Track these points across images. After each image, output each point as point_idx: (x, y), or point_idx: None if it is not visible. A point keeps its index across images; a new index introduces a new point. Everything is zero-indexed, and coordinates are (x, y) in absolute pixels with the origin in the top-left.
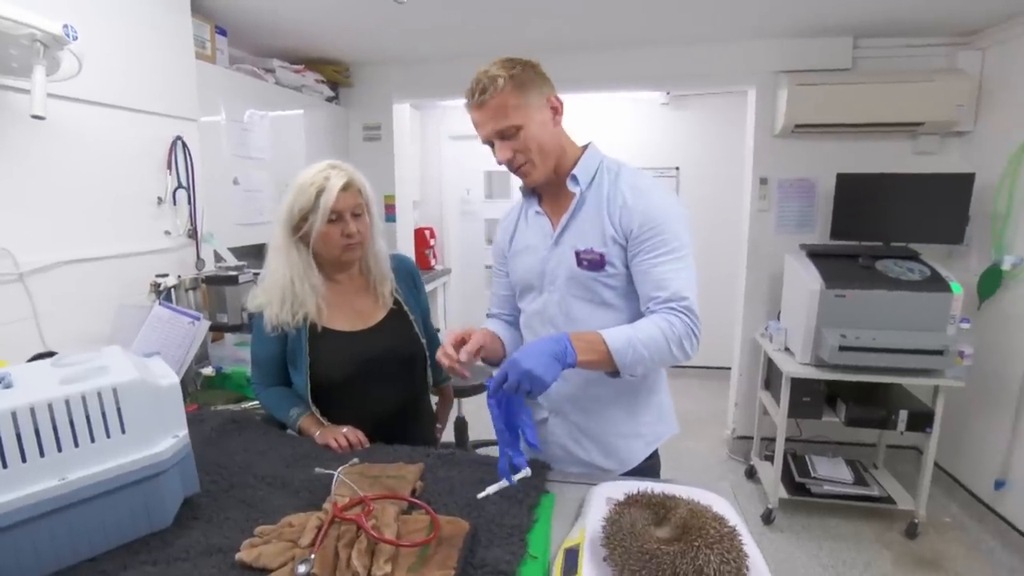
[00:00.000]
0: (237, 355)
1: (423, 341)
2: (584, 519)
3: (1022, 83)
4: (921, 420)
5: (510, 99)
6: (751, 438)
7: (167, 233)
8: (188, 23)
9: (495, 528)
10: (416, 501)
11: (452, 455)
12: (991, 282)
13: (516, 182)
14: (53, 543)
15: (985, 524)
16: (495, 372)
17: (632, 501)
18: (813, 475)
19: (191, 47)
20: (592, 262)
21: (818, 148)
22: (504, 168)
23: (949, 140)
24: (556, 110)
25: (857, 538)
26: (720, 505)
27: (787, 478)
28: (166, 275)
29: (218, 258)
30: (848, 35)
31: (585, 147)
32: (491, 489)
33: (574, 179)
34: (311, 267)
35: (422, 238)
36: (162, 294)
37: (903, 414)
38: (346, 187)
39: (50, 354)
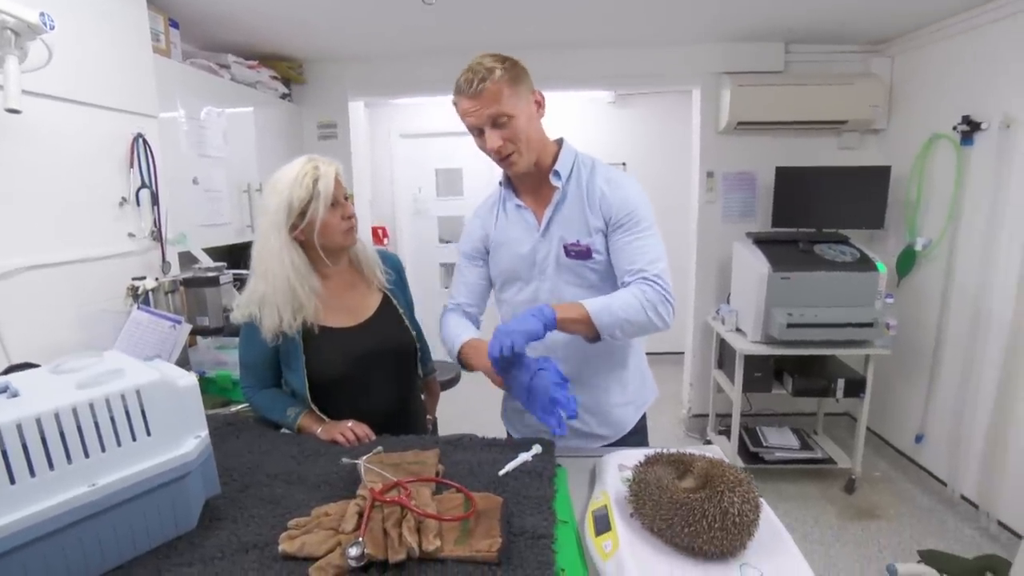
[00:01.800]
0: (217, 358)
1: (413, 333)
2: (603, 485)
3: (924, 87)
4: (855, 387)
5: (505, 88)
6: (706, 415)
7: (131, 235)
8: (144, 14)
9: (523, 500)
10: (448, 482)
11: (460, 440)
12: (907, 262)
13: (468, 180)
14: (83, 552)
15: (908, 474)
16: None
17: (654, 460)
18: (765, 444)
19: (148, 40)
20: (579, 252)
21: (758, 143)
22: (454, 167)
23: (867, 136)
24: (539, 104)
25: (805, 497)
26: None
27: (742, 449)
28: (143, 278)
29: (184, 261)
30: (780, 40)
31: (558, 142)
32: (511, 465)
33: (556, 174)
34: (308, 267)
35: (376, 237)
36: (140, 298)
37: (840, 382)
38: (336, 174)
39: (28, 365)
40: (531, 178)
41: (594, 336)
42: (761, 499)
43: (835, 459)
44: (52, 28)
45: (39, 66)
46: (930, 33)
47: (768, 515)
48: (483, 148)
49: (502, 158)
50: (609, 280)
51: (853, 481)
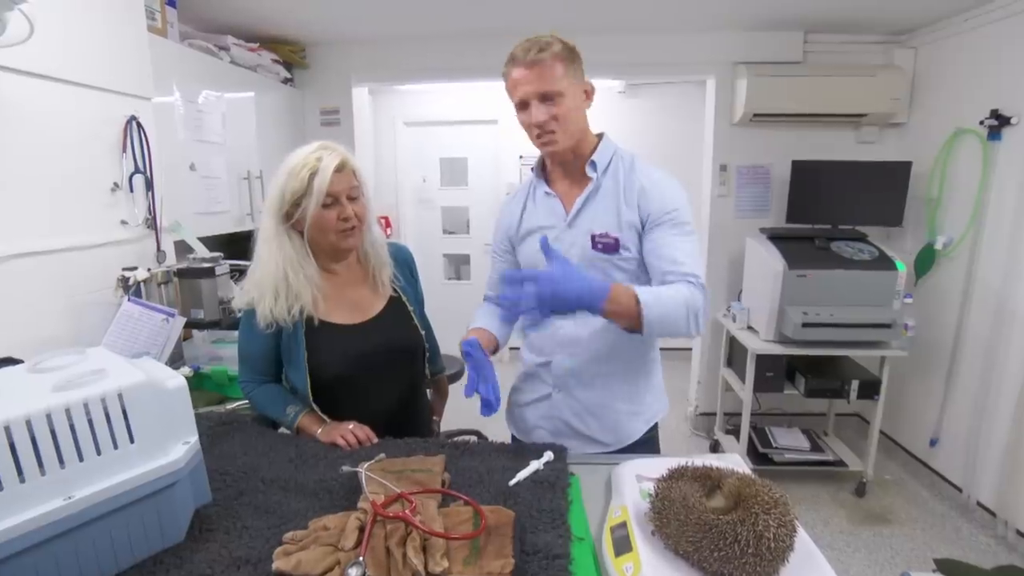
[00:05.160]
0: (213, 353)
1: (422, 332)
2: (620, 497)
3: (950, 80)
4: (870, 388)
5: (559, 65)
6: (714, 414)
7: (123, 223)
8: None
9: (536, 514)
10: (456, 493)
11: (467, 444)
12: (926, 261)
13: (473, 170)
14: (58, 569)
15: (920, 479)
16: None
17: (678, 475)
18: (774, 445)
19: (143, 18)
20: (607, 245)
21: (773, 136)
22: (459, 156)
23: (887, 131)
24: (588, 95)
25: (815, 499)
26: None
27: (751, 450)
28: (135, 268)
29: (181, 250)
30: (799, 30)
31: (599, 136)
32: (522, 475)
33: (592, 165)
34: (306, 257)
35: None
36: (131, 289)
37: (854, 384)
38: (340, 168)
39: (10, 360)
40: (566, 167)
41: (630, 329)
42: (796, 521)
43: (846, 461)
44: None
45: (20, 40)
46: (957, 23)
47: (803, 538)
48: (524, 122)
49: (542, 134)
50: (636, 281)
51: (864, 484)
